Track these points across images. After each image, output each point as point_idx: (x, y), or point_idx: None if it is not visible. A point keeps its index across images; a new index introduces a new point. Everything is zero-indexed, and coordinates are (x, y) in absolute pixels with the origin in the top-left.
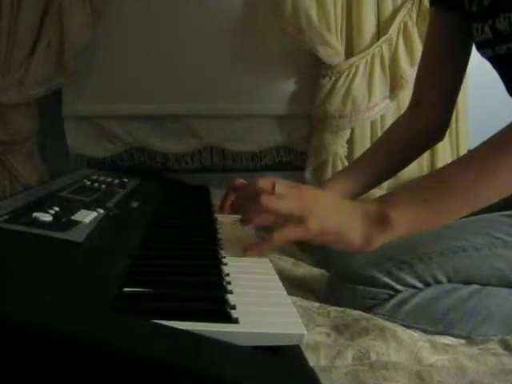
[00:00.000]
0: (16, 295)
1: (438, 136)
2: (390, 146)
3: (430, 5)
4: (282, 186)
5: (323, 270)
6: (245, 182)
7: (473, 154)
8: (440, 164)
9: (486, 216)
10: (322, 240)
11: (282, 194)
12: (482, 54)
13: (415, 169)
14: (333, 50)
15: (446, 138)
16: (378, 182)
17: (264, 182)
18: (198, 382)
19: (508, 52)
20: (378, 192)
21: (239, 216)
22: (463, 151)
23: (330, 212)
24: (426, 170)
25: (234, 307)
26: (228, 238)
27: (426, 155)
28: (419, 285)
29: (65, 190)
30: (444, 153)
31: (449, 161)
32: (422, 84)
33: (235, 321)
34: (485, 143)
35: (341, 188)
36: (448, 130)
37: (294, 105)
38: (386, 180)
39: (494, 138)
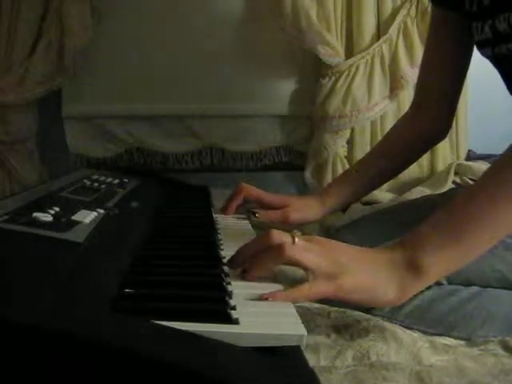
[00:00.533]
0: (16, 295)
1: (440, 136)
2: (391, 147)
3: (432, 4)
4: (301, 238)
5: None
6: (252, 187)
7: (494, 179)
8: (440, 163)
9: None
10: (352, 298)
11: (305, 247)
12: (482, 54)
13: (415, 169)
14: (333, 50)
15: (446, 138)
16: (379, 184)
17: (280, 235)
18: (197, 383)
19: (507, 52)
20: (377, 192)
21: (239, 216)
22: (463, 151)
23: (361, 267)
24: (426, 170)
25: (234, 308)
26: (228, 237)
27: (426, 155)
28: None
29: (65, 190)
30: (444, 153)
31: (449, 160)
32: (423, 84)
33: (235, 321)
34: (500, 164)
35: (344, 191)
36: None
37: (294, 105)
38: (387, 181)
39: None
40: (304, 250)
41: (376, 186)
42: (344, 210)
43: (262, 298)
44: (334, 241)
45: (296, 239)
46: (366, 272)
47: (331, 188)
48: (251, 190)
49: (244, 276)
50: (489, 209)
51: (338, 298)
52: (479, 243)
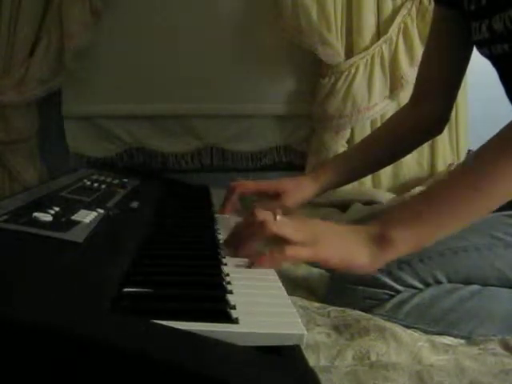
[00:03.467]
0: (16, 295)
1: (437, 129)
2: (387, 134)
3: (433, 1)
4: (282, 215)
5: (323, 270)
6: (245, 181)
7: (465, 168)
8: (440, 163)
9: (486, 216)
10: (330, 264)
11: (285, 222)
12: (481, 53)
13: (415, 169)
14: (333, 49)
15: (446, 137)
16: (375, 168)
17: (263, 213)
18: (197, 382)
19: (504, 52)
20: (377, 192)
21: (239, 215)
22: (463, 150)
23: (336, 238)
24: (426, 170)
25: (234, 307)
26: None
27: (426, 154)
28: (419, 285)
29: (65, 190)
30: (444, 152)
31: (449, 160)
32: (422, 78)
33: (235, 321)
34: (476, 156)
35: (338, 169)
36: (448, 129)
37: (294, 105)
38: (381, 168)
39: (484, 149)
40: (284, 224)
41: (371, 170)
42: (344, 210)
43: (250, 266)
44: (314, 219)
45: (277, 216)
46: (339, 242)
47: (326, 166)
48: (245, 185)
49: (235, 253)
50: (456, 190)
51: (317, 261)
52: (445, 224)
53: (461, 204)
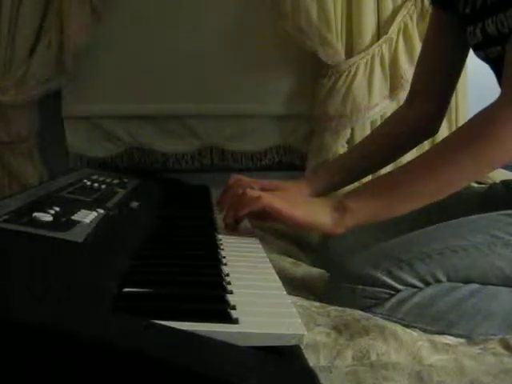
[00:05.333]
0: (16, 295)
1: (431, 129)
2: (383, 135)
3: (430, 3)
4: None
5: (323, 270)
6: (244, 177)
7: (423, 154)
8: None
9: (485, 215)
10: (295, 218)
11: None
12: (478, 56)
13: None
14: (333, 49)
15: None
16: (370, 172)
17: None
18: (197, 383)
19: (498, 55)
20: None
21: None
22: None
23: (304, 202)
24: None
25: (233, 307)
26: (228, 237)
27: None
28: (419, 284)
29: (65, 190)
30: None
31: None
32: (417, 79)
33: (235, 321)
34: (435, 146)
35: (333, 174)
36: (448, 129)
37: (294, 105)
38: (379, 169)
39: (444, 140)
40: (269, 196)
41: (369, 171)
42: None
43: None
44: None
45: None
46: (307, 204)
47: (322, 169)
48: (243, 182)
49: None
50: (407, 172)
51: (290, 222)
52: (395, 202)
53: (415, 184)
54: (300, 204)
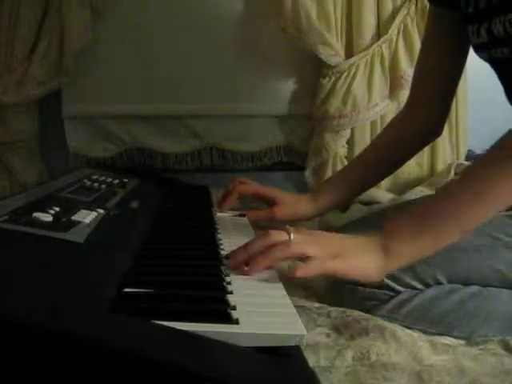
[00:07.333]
0: (16, 295)
1: (432, 136)
2: (384, 145)
3: (429, 2)
4: (297, 233)
5: None
6: (248, 181)
7: (465, 176)
8: (440, 163)
9: None
10: (347, 276)
11: (301, 240)
12: (480, 57)
13: (415, 169)
14: (333, 49)
15: (446, 138)
16: (374, 182)
17: (278, 233)
18: (197, 383)
19: (503, 56)
20: (377, 192)
21: (239, 215)
22: (463, 150)
23: (348, 252)
24: (425, 170)
25: (234, 308)
26: (228, 237)
27: (426, 155)
28: (419, 286)
29: (65, 190)
30: (444, 152)
31: (449, 161)
32: (418, 80)
33: (235, 321)
34: (475, 164)
35: (338, 189)
36: (448, 130)
37: (294, 105)
38: (382, 179)
39: (484, 158)
40: (301, 242)
41: (372, 184)
42: (343, 210)
43: (289, 279)
44: (318, 231)
45: (291, 235)
46: (352, 256)
47: (325, 186)
48: (247, 187)
49: (246, 270)
50: (454, 206)
51: (338, 275)
52: (446, 234)
53: (462, 212)
54: (348, 253)
